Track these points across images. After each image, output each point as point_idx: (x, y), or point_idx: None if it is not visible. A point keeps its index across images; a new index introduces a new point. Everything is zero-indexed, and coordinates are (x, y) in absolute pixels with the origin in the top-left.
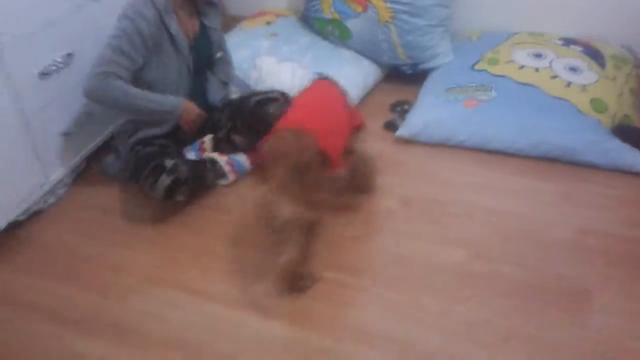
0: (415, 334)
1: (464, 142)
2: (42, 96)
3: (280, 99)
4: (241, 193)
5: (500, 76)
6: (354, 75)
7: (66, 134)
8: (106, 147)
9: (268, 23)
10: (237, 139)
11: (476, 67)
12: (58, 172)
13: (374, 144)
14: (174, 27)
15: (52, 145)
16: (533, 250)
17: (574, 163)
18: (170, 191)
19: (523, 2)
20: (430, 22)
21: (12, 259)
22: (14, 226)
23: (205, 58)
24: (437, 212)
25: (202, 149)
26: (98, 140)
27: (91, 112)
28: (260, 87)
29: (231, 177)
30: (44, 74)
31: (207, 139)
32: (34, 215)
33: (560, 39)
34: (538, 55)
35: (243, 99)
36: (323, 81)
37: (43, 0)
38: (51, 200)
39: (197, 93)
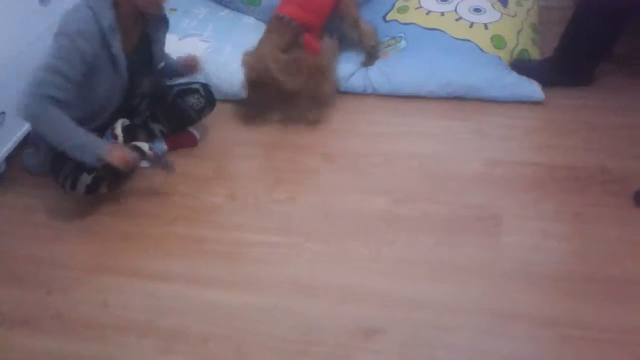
0: (351, 279)
1: (378, 90)
2: None
3: (201, 91)
4: (162, 176)
5: (409, 24)
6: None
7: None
8: (25, 141)
9: None
10: (156, 127)
11: (387, 17)
12: None
13: None
14: (117, 47)
15: None
16: (449, 187)
17: (480, 99)
18: (90, 189)
19: None
20: None
21: None
22: None
23: (144, 70)
24: (359, 163)
25: (114, 136)
26: (15, 138)
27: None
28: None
29: (152, 156)
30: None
31: (119, 125)
32: None
33: None
34: (443, 0)
35: (164, 88)
36: None
37: None
38: None
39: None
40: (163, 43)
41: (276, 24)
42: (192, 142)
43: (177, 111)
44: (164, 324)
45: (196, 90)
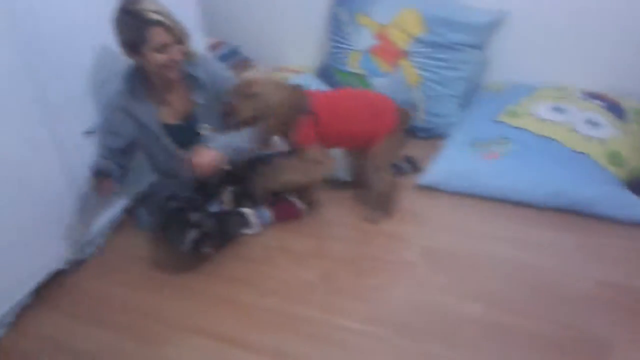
0: None
1: (483, 192)
2: (86, 154)
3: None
4: (266, 243)
5: (519, 129)
6: None
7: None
8: (140, 200)
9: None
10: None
11: (497, 118)
12: (98, 224)
13: None
14: (145, 116)
15: (91, 200)
16: (551, 303)
17: (592, 215)
18: (197, 244)
19: (548, 57)
20: (452, 93)
21: (57, 305)
22: (60, 274)
23: (192, 135)
24: (458, 263)
25: (220, 201)
26: (134, 194)
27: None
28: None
29: (257, 227)
30: (89, 133)
31: (227, 193)
32: (75, 265)
33: (583, 92)
34: (558, 109)
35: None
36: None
37: (101, 63)
38: (90, 250)
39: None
40: (207, 103)
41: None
42: (297, 215)
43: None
44: None
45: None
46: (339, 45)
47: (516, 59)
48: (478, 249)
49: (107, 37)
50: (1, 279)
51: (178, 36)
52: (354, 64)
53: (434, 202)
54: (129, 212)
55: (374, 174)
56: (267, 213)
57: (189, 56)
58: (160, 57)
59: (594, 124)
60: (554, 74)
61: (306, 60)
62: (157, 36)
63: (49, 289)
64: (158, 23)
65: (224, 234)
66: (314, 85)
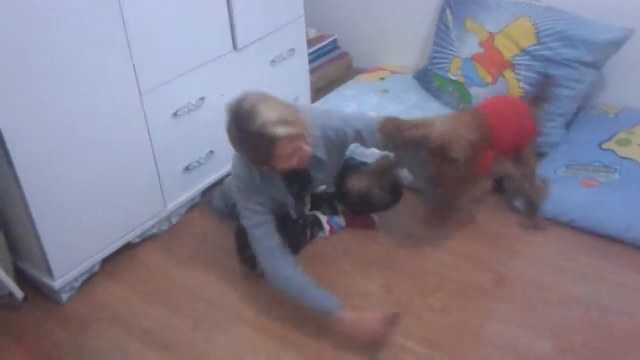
0: None
1: (574, 221)
2: (173, 134)
3: (386, 187)
4: (337, 244)
5: (628, 158)
6: None
7: (187, 169)
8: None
9: (382, 79)
10: (339, 206)
11: (604, 145)
12: (175, 202)
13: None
14: (274, 189)
15: (174, 178)
16: (630, 351)
17: None
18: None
19: None
20: (557, 110)
21: (122, 278)
22: (129, 247)
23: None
24: (532, 295)
25: (303, 201)
26: (214, 176)
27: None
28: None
29: (328, 232)
30: (177, 115)
31: (307, 196)
32: (147, 239)
33: None
34: None
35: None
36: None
37: (193, 48)
38: (164, 227)
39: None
40: (326, 177)
41: (469, 114)
42: (370, 225)
43: (360, 203)
44: None
45: (381, 186)
46: (442, 49)
47: (636, 81)
48: (557, 283)
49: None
50: (78, 242)
51: (301, 133)
52: (454, 71)
53: (517, 225)
54: (206, 193)
55: (532, 178)
56: (341, 220)
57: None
58: (290, 163)
59: None
60: None
61: (404, 61)
62: (285, 149)
63: (117, 261)
64: (283, 137)
65: (293, 248)
66: (407, 89)
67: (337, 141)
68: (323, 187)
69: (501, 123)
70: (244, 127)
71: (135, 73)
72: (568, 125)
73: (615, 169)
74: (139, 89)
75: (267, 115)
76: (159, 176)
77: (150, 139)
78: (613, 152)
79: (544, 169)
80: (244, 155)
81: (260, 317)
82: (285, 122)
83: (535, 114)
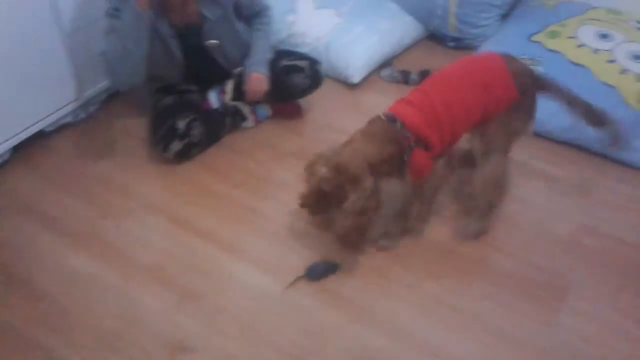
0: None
1: None
2: (85, 15)
3: (307, 71)
4: (258, 138)
5: (554, 51)
6: (389, 31)
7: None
8: None
9: None
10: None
11: (533, 37)
12: (92, 90)
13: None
14: (160, 24)
15: (90, 64)
16: (529, 242)
17: (603, 157)
18: (179, 155)
19: None
20: (493, 2)
21: (35, 166)
22: (43, 135)
23: (195, 46)
24: None
25: (223, 91)
26: None
27: None
28: (294, 40)
29: (251, 122)
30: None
31: (229, 85)
32: (62, 128)
33: (639, 22)
34: (604, 36)
35: (272, 60)
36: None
37: None
38: (82, 115)
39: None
40: (220, 18)
41: (380, 126)
42: (297, 113)
43: (280, 88)
44: (186, 281)
45: (302, 70)
46: None
47: None
48: None
49: None
50: None
51: None
52: None
53: None
54: None
55: (485, 166)
56: (267, 109)
57: None
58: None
59: (637, 57)
60: None
61: None
62: None
63: (30, 150)
64: None
65: (212, 137)
66: None
67: None
68: (214, 42)
69: (434, 117)
70: None
71: None
72: (505, 17)
73: (540, 61)
74: None
75: None
76: (71, 59)
77: (58, 17)
78: (541, 44)
79: None
80: None
81: (172, 206)
82: None
83: (516, 75)
